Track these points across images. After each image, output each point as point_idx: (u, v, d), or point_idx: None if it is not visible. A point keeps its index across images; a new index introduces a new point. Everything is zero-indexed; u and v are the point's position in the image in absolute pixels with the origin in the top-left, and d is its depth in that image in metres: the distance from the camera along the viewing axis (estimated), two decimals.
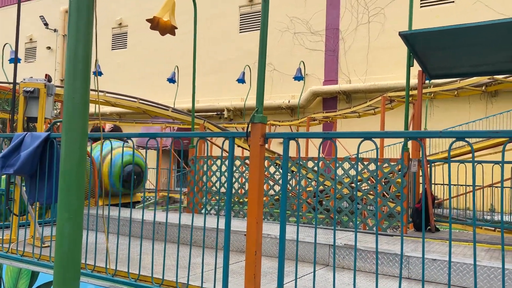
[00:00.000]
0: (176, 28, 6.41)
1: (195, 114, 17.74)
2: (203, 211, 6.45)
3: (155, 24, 6.48)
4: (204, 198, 6.01)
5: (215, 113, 19.52)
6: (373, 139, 2.23)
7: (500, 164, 1.93)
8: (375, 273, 2.17)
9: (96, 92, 5.52)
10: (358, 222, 5.54)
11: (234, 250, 4.16)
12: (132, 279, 3.05)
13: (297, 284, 2.58)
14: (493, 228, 8.62)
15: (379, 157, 10.04)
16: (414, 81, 7.37)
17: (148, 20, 6.44)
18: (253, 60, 18.55)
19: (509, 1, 13.90)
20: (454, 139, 2.00)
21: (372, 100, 11.97)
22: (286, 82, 17.92)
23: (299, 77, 15.65)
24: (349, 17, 17.05)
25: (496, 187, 9.94)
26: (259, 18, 18.04)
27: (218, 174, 6.51)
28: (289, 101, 17.82)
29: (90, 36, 1.97)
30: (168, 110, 10.42)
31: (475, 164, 7.17)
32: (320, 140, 2.39)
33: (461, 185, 10.30)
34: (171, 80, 16.29)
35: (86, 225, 3.12)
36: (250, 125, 2.59)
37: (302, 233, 4.07)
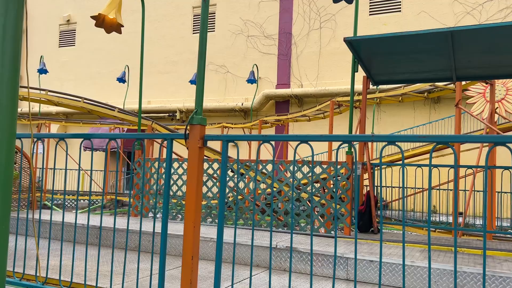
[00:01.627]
0: (122, 26, 6.24)
1: (145, 115, 17.33)
2: (150, 214, 6.30)
3: (100, 21, 6.27)
4: (150, 201, 5.86)
5: (167, 114, 19.20)
6: (310, 142, 2.24)
7: (452, 167, 1.99)
8: (310, 274, 2.18)
9: (38, 91, 5.24)
10: (303, 225, 5.59)
11: (177, 254, 4.07)
12: (64, 286, 2.90)
13: None
14: (433, 229, 9.02)
15: (327, 160, 10.23)
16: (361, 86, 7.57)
17: (93, 17, 6.22)
18: (206, 62, 18.43)
19: (450, 13, 14.64)
20: (385, 143, 2.05)
21: (322, 105, 12.21)
22: (240, 85, 17.94)
23: (252, 80, 15.71)
24: (301, 22, 17.32)
25: (437, 189, 10.39)
26: (213, 19, 18.06)
27: (163, 176, 6.37)
28: (242, 104, 17.84)
29: (19, 31, 1.85)
30: (114, 110, 10.10)
31: (416, 167, 7.37)
32: (259, 143, 2.37)
33: (405, 188, 10.65)
34: (121, 79, 15.86)
35: (18, 230, 2.94)
36: (188, 127, 2.53)
37: (247, 236, 4.05)
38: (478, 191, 9.30)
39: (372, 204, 5.74)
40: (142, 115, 14.08)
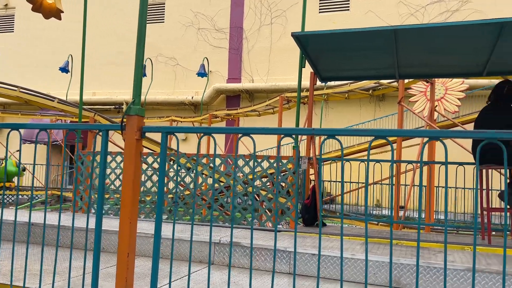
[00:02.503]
0: (62, 12, 5.91)
1: (90, 106, 16.65)
2: (93, 211, 6.04)
3: (38, 6, 5.90)
4: (92, 196, 5.61)
5: (113, 106, 18.58)
6: (251, 135, 2.20)
7: (389, 161, 2.01)
8: (249, 269, 2.14)
9: None
10: (250, 219, 5.57)
11: (116, 251, 3.91)
12: None
13: (173, 287, 2.46)
14: (377, 223, 9.33)
15: (277, 154, 10.29)
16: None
17: (29, 1, 5.85)
18: (156, 53, 17.99)
19: (395, 13, 15.17)
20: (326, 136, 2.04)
21: (271, 100, 12.27)
22: (190, 78, 17.68)
23: (202, 74, 15.50)
24: (252, 17, 17.31)
25: (380, 184, 10.75)
26: (163, 10, 17.68)
27: (108, 171, 6.13)
28: (192, 97, 17.59)
29: None
30: (53, 101, 9.59)
31: (359, 163, 7.53)
32: (201, 135, 2.30)
33: (353, 182, 10.92)
34: (64, 69, 15.13)
35: None
36: (125, 118, 2.41)
37: (189, 232, 3.96)
38: (416, 185, 9.71)
39: (317, 198, 5.81)
40: (86, 107, 13.51)
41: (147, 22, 18.63)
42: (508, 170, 4.98)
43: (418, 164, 6.94)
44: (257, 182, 6.04)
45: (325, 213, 9.60)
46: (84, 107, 8.77)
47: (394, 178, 8.25)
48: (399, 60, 5.35)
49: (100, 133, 2.56)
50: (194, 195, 2.29)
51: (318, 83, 8.62)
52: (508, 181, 4.90)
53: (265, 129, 2.20)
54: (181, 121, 15.10)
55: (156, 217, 2.39)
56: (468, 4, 14.49)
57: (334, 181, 11.89)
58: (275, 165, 5.58)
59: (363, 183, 9.92)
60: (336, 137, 2.13)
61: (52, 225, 4.16)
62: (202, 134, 2.34)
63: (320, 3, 16.36)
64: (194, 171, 6.36)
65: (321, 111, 14.17)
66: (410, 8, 15.12)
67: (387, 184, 10.81)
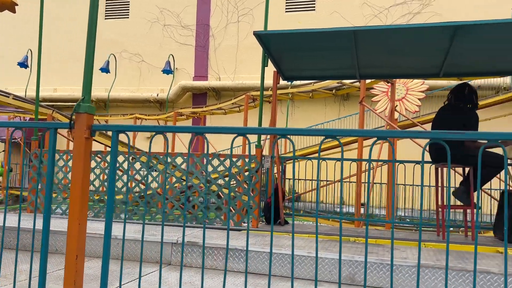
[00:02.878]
0: (17, 4, 5.67)
1: (51, 103, 16.12)
2: (58, 211, 5.85)
3: None
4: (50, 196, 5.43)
5: (76, 103, 18.06)
6: (205, 134, 2.17)
7: (339, 160, 2.01)
8: (201, 268, 2.11)
9: None
10: (211, 218, 5.54)
11: None
12: None
13: (125, 287, 2.41)
14: (338, 220, 9.48)
15: (241, 153, 10.26)
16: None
17: None
18: (120, 49, 17.62)
19: (359, 15, 15.45)
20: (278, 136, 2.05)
21: (237, 98, 12.25)
22: (155, 75, 17.41)
23: (168, 71, 15.30)
24: (219, 14, 17.21)
25: (345, 182, 10.92)
26: (127, 5, 17.26)
27: (65, 170, 5.95)
28: (157, 95, 17.33)
29: None
30: (8, 97, 9.22)
31: (321, 160, 7.64)
32: (152, 134, 2.25)
33: (315, 180, 11.01)
34: (23, 64, 14.59)
35: None
36: (74, 115, 2.33)
37: (149, 232, 3.90)
38: (377, 183, 9.93)
39: (280, 197, 5.84)
40: (46, 103, 13.09)
41: (111, 18, 18.23)
42: (462, 168, 5.16)
43: (379, 163, 7.09)
44: (220, 181, 6.02)
45: (288, 211, 9.67)
46: (42, 104, 8.48)
47: (355, 176, 8.40)
48: (360, 60, 5.43)
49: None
50: (146, 193, 2.25)
51: (284, 82, 8.67)
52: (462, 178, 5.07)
53: (219, 128, 2.18)
54: (146, 119, 14.87)
55: (106, 217, 2.33)
56: (429, 7, 14.93)
57: (300, 179, 12.00)
58: (238, 163, 5.57)
59: (326, 180, 10.06)
60: (289, 136, 2.14)
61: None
62: (154, 133, 2.29)
63: (286, 3, 16.46)
64: (155, 170, 6.27)
65: (287, 110, 14.30)
66: (374, 10, 15.43)
67: (350, 182, 11.00)
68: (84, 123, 2.33)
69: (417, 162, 5.37)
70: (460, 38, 4.46)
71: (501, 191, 5.73)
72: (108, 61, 15.21)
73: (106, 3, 18.46)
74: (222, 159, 5.40)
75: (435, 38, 4.61)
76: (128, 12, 18.08)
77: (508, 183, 6.99)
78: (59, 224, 4.20)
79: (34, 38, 17.68)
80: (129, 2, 18.10)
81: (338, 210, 12.46)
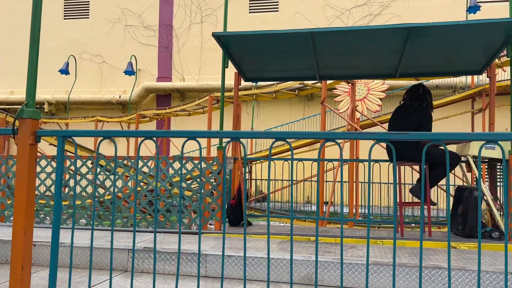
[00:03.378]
0: None
1: (7, 106, 15.49)
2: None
3: None
4: (2, 204, 5.21)
5: (36, 106, 17.44)
6: (153, 137, 2.13)
7: (288, 160, 2.00)
8: (153, 273, 2.07)
9: None
10: (176, 221, 5.47)
11: None
12: None
13: None
14: (304, 219, 9.56)
15: (203, 155, 10.21)
16: (243, 83, 7.69)
17: None
18: (80, 50, 17.16)
19: (322, 15, 15.65)
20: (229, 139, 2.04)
21: (201, 99, 12.17)
22: (117, 76, 17.06)
23: (130, 72, 15.01)
24: (182, 15, 17.04)
25: (309, 181, 11.03)
26: (87, 5, 16.78)
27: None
28: (120, 96, 16.97)
29: None
30: None
31: (295, 161, 7.65)
32: (99, 139, 2.19)
33: (284, 180, 11.09)
34: None
35: None
36: (17, 121, 2.24)
37: (105, 238, 3.80)
38: (338, 181, 10.07)
39: (243, 198, 5.82)
40: (3, 107, 12.56)
41: (70, 18, 17.72)
42: (418, 166, 5.30)
43: (340, 162, 7.19)
44: (183, 184, 5.95)
45: (252, 212, 9.68)
46: (3, 107, 8.13)
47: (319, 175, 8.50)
48: (319, 61, 5.50)
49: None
50: (95, 198, 2.18)
51: (248, 82, 8.64)
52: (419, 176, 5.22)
53: (168, 132, 2.14)
54: (108, 121, 14.53)
55: (53, 224, 2.25)
56: (389, 9, 15.30)
57: (266, 180, 12.02)
58: (199, 166, 5.52)
59: (289, 180, 10.14)
60: (241, 140, 2.13)
61: None
62: (102, 138, 2.23)
63: (250, 4, 16.48)
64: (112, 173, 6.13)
65: (252, 111, 14.32)
66: (335, 11, 15.68)
67: (314, 181, 11.13)
68: (29, 129, 2.24)
69: (379, 161, 5.49)
70: (414, 40, 4.59)
71: (455, 187, 5.94)
72: (67, 63, 14.77)
73: (65, 3, 17.93)
74: (184, 161, 5.34)
75: (390, 40, 4.72)
76: (88, 12, 17.63)
77: (462, 178, 7.23)
78: (8, 232, 4.03)
79: None
80: (89, 2, 17.65)
81: (303, 209, 12.57)
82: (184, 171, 6.35)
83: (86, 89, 17.07)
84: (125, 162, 6.22)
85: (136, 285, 3.02)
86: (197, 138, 2.06)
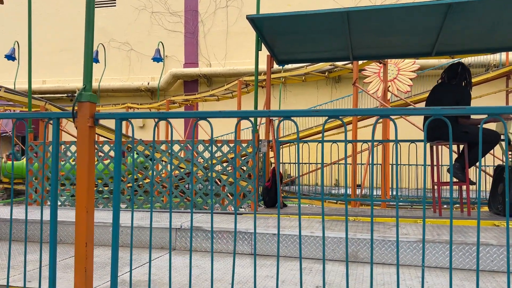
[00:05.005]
0: None
1: (40, 95, 15.97)
2: (49, 203, 5.86)
3: None
4: (46, 187, 5.43)
5: (66, 95, 17.90)
6: (209, 118, 2.20)
7: (343, 141, 2.04)
8: (211, 252, 2.15)
9: None
10: (213, 203, 5.58)
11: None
12: None
13: (134, 274, 2.45)
14: (335, 201, 9.58)
15: (237, 138, 10.32)
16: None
17: None
18: (108, 39, 17.42)
19: None
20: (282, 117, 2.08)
21: (229, 84, 12.22)
22: (145, 63, 17.28)
23: (158, 59, 15.15)
24: (207, 0, 17.03)
25: (339, 164, 11.01)
26: None
27: (63, 161, 5.95)
28: (148, 83, 17.22)
29: None
30: (0, 90, 9.12)
31: (317, 144, 7.66)
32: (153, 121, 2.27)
33: (311, 163, 11.11)
34: (10, 57, 14.37)
35: None
36: (77, 105, 2.34)
37: (153, 218, 3.93)
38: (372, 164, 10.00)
39: (278, 180, 5.89)
40: (36, 95, 12.94)
41: (98, 6, 17.96)
42: (457, 145, 5.24)
43: (375, 143, 7.14)
44: (218, 167, 6.05)
45: (285, 195, 9.75)
46: (34, 96, 8.40)
47: (350, 157, 8.49)
48: (353, 41, 5.45)
49: (51, 122, 2.47)
50: (152, 182, 2.27)
51: (276, 66, 8.62)
52: (456, 156, 5.15)
53: (221, 112, 2.20)
54: (138, 108, 14.79)
55: (113, 205, 2.36)
56: None
57: (294, 163, 12.07)
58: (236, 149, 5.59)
59: (319, 163, 10.15)
60: (292, 118, 2.17)
61: (4, 219, 4.01)
62: (157, 119, 2.31)
63: None
64: (151, 158, 6.28)
65: (280, 94, 14.30)
66: None
67: (344, 164, 11.10)
68: (87, 112, 2.33)
69: (415, 141, 5.44)
70: (453, 16, 4.49)
71: (494, 167, 5.83)
72: (97, 51, 15.04)
73: None
74: (219, 145, 5.42)
75: (428, 17, 4.63)
76: (115, 1, 17.82)
77: (501, 158, 7.08)
78: (60, 214, 4.22)
79: (19, 30, 17.40)
80: None
81: (333, 192, 12.58)
82: (219, 154, 6.44)
83: (115, 77, 17.37)
84: (163, 147, 6.36)
85: (186, 261, 3.13)
86: (249, 118, 2.11)
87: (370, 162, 8.60)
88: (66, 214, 4.26)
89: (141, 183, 5.92)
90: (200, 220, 3.86)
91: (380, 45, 5.74)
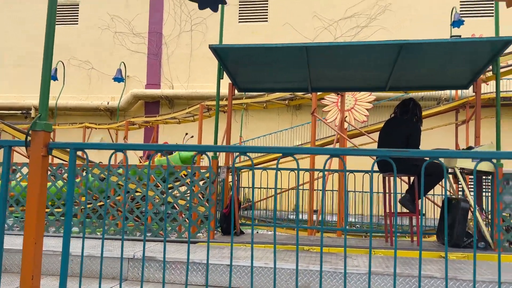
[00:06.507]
0: None
1: None
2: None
3: None
4: None
5: (20, 112, 17.27)
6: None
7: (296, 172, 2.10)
8: (162, 284, 2.14)
9: None
10: (166, 232, 5.51)
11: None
12: None
13: None
14: (293, 228, 9.67)
15: (197, 164, 10.26)
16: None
17: None
18: (69, 56, 17.08)
19: (310, 27, 15.89)
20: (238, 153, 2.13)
21: (191, 108, 12.23)
22: (106, 83, 17.02)
23: (119, 79, 14.96)
24: (172, 23, 17.12)
25: (294, 189, 11.14)
26: (76, 11, 16.70)
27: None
28: (108, 103, 16.92)
29: None
30: None
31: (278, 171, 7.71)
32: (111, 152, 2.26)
33: (271, 188, 11.17)
34: None
35: None
36: (30, 133, 2.30)
37: (105, 247, 3.83)
38: (328, 190, 10.22)
39: (236, 207, 5.90)
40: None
41: (60, 23, 17.64)
42: (408, 177, 5.46)
43: (330, 172, 7.33)
44: (176, 192, 5.98)
45: (244, 221, 9.75)
46: None
47: (308, 184, 8.63)
48: (311, 74, 5.64)
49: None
50: (106, 207, 2.25)
51: (236, 92, 8.74)
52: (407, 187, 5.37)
53: (178, 146, 2.23)
54: (96, 128, 14.47)
55: (64, 234, 2.31)
56: (376, 21, 15.62)
57: (256, 188, 12.10)
58: (194, 175, 5.57)
59: (280, 189, 10.24)
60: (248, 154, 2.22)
61: None
62: (114, 151, 2.31)
63: (239, 13, 16.65)
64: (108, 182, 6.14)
65: (241, 119, 14.42)
66: (324, 22, 15.95)
67: (296, 194, 11.25)
68: (41, 141, 2.30)
69: (367, 172, 5.62)
70: (405, 55, 4.76)
71: (443, 198, 6.11)
72: (56, 68, 14.69)
73: (58, 7, 17.85)
74: (177, 170, 5.40)
75: (381, 54, 4.89)
76: (77, 18, 17.59)
77: (448, 190, 7.44)
78: (6, 240, 4.04)
79: None
80: (78, 7, 17.61)
81: (292, 217, 12.69)
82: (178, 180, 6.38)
83: (74, 95, 16.99)
84: (120, 171, 6.24)
85: None
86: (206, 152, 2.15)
87: (322, 195, 8.81)
88: (13, 241, 4.09)
89: (94, 207, 5.77)
90: (154, 250, 3.80)
91: (338, 78, 5.97)
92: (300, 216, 12.24)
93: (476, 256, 1.78)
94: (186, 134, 12.86)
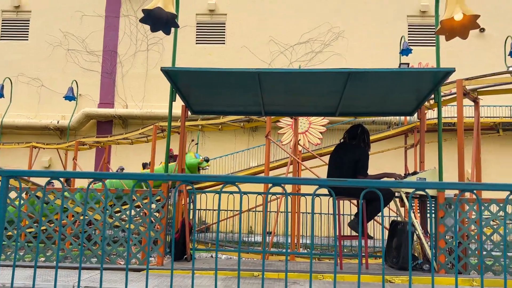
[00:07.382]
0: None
1: None
2: None
3: None
4: None
5: None
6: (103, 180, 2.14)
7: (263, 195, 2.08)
8: None
9: None
10: (115, 256, 5.30)
11: None
12: None
13: None
14: (247, 252, 9.58)
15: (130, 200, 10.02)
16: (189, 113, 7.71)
17: None
18: (17, 73, 16.43)
19: (267, 51, 16.18)
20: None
21: (145, 128, 12.02)
22: (56, 101, 16.44)
23: (70, 97, 14.51)
24: (128, 42, 16.92)
25: (253, 211, 11.13)
26: (27, 26, 16.20)
27: None
28: (58, 122, 16.33)
29: None
30: None
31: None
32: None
33: (228, 210, 11.09)
34: None
35: None
36: None
37: (46, 276, 3.63)
38: (282, 212, 10.25)
39: (187, 231, 5.78)
40: None
41: (8, 39, 16.99)
42: (357, 200, 5.57)
43: (283, 195, 7.36)
44: (125, 216, 5.80)
45: (196, 246, 9.56)
46: None
47: (262, 206, 8.64)
48: (264, 98, 5.70)
49: None
50: (39, 235, 2.13)
51: (189, 114, 8.69)
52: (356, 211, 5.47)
53: (123, 174, 2.16)
54: (44, 148, 13.88)
55: None
56: (329, 47, 16.14)
57: (210, 210, 11.95)
58: (143, 200, 5.42)
59: (236, 211, 10.17)
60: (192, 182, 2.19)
61: None
62: (50, 179, 2.20)
63: (197, 34, 16.72)
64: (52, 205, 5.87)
65: (197, 140, 14.32)
66: (280, 47, 16.29)
67: (258, 211, 11.24)
68: None
69: (320, 195, 5.68)
70: (352, 82, 4.91)
71: (390, 220, 6.27)
72: (2, 85, 14.06)
73: (2, 23, 17.21)
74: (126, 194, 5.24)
75: (331, 82, 5.03)
76: (28, 34, 17.02)
77: (396, 212, 7.64)
78: None
79: None
80: (28, 23, 17.07)
81: (246, 239, 12.59)
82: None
83: (21, 113, 16.29)
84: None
85: None
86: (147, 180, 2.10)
87: (282, 211, 8.83)
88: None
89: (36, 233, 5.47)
90: (96, 279, 3.64)
91: (290, 104, 6.07)
92: (254, 238, 12.18)
93: (412, 280, 1.82)
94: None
